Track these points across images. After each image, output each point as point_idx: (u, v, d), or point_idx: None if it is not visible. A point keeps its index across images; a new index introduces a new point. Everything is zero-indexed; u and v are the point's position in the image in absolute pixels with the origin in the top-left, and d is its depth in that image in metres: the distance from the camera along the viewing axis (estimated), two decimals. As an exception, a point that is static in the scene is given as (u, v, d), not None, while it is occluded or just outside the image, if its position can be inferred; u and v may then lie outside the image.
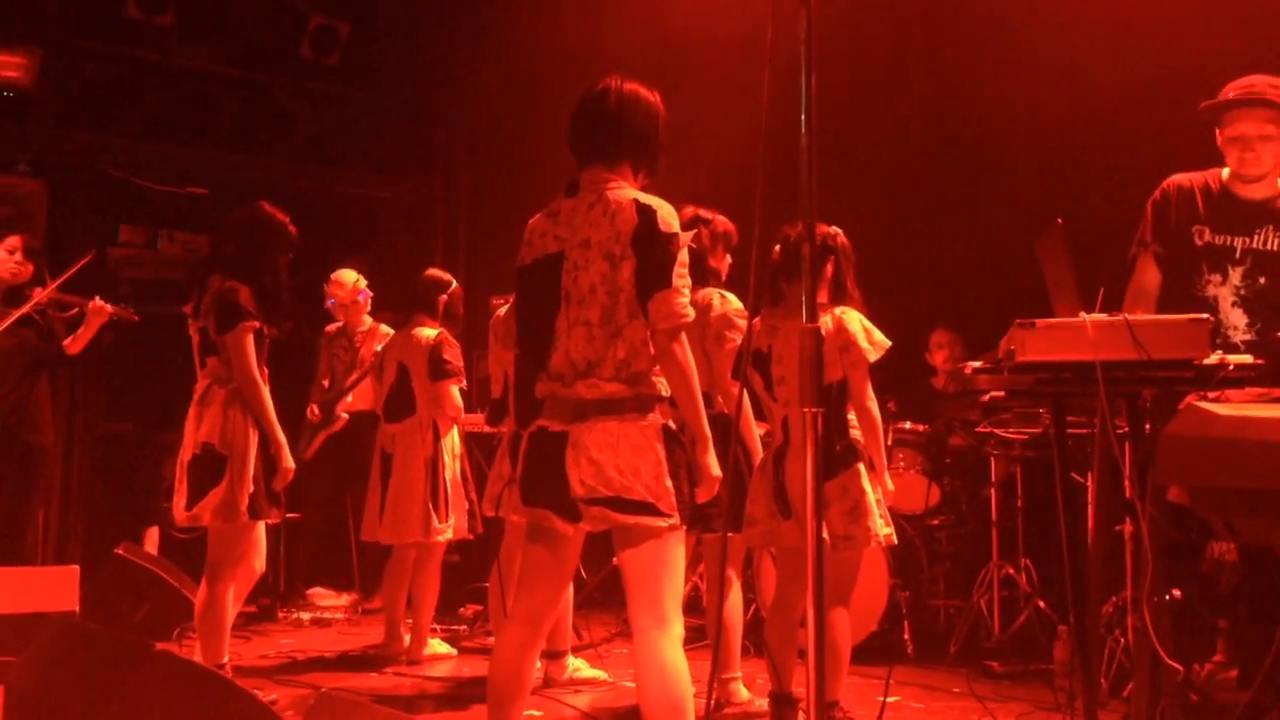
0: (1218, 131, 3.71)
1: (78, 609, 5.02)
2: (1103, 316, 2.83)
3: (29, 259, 5.74)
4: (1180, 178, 3.78)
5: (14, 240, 5.72)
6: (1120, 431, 3.05)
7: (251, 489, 4.30)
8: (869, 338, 3.92)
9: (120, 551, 6.03)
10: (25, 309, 5.59)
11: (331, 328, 6.98)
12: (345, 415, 6.82)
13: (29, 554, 5.74)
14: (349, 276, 6.80)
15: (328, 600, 7.08)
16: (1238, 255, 3.65)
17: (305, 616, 6.80)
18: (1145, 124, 5.60)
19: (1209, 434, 2.44)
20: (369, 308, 6.87)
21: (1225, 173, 3.74)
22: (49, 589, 5.00)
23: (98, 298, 5.75)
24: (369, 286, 6.85)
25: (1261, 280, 3.64)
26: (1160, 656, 2.80)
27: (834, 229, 4.10)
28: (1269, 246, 3.66)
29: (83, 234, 7.54)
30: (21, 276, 5.69)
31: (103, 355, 7.79)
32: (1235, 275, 3.67)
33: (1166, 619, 2.84)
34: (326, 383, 6.95)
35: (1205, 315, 2.84)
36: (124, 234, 8.58)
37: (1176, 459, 2.55)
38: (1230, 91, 3.65)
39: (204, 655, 4.30)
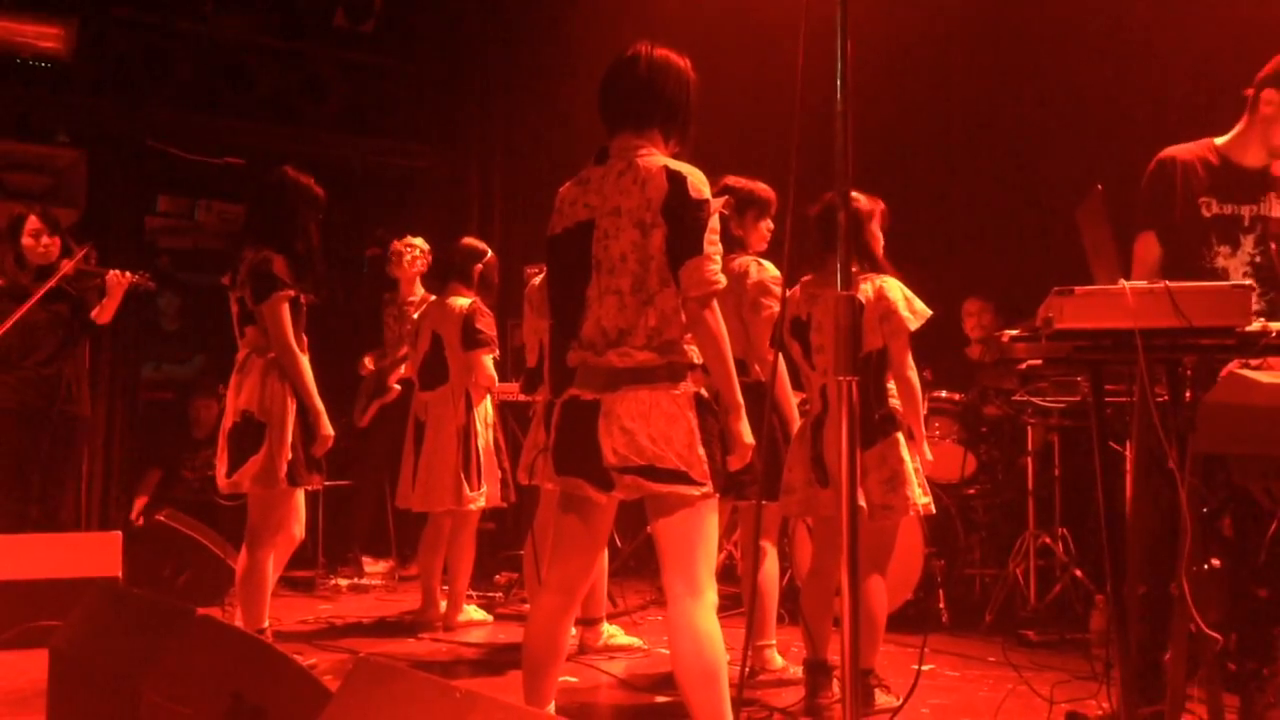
0: (1269, 91, 3.60)
1: (120, 574, 5.12)
2: (1143, 284, 2.78)
3: (53, 233, 5.78)
4: (1176, 150, 3.71)
5: (33, 222, 5.74)
6: (1160, 399, 3.01)
7: (290, 456, 4.33)
8: (909, 306, 3.89)
9: (163, 518, 6.11)
10: (51, 283, 5.64)
11: (390, 295, 6.99)
12: (398, 386, 6.83)
13: (66, 524, 5.82)
14: (419, 241, 6.81)
15: (369, 566, 7.16)
16: (1246, 223, 3.60)
17: (343, 583, 6.87)
18: (1188, 90, 5.49)
19: (1250, 402, 2.41)
20: (418, 275, 6.83)
21: (1220, 141, 3.69)
22: (92, 555, 5.09)
23: (115, 270, 5.81)
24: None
25: (1274, 246, 3.60)
26: (1199, 626, 2.77)
27: (870, 197, 4.06)
28: (1275, 213, 3.62)
29: (121, 204, 7.63)
30: (51, 255, 5.74)
31: (144, 325, 7.90)
32: (1247, 243, 3.62)
33: (1206, 588, 2.80)
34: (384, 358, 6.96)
35: (1248, 282, 2.79)
36: (162, 204, 8.67)
37: (1217, 427, 2.52)
38: None
39: (245, 620, 4.35)
